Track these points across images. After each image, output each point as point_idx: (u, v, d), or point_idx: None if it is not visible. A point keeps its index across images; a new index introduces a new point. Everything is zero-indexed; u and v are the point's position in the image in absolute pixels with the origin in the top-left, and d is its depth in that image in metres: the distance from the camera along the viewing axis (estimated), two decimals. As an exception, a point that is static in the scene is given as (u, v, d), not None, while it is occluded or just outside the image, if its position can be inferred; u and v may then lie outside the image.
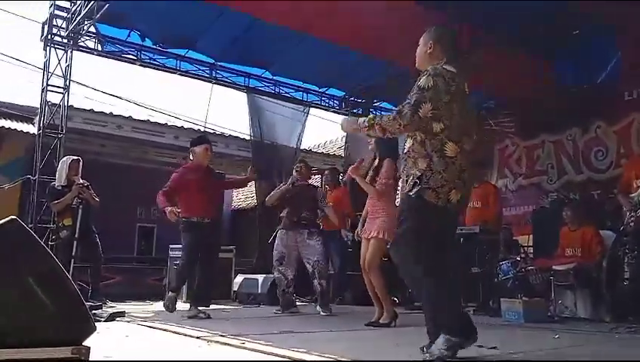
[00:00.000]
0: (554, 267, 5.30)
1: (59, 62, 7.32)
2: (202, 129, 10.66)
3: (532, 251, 6.66)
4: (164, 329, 3.74)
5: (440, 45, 2.86)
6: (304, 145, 10.40)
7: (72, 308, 1.81)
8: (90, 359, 1.99)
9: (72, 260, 5.80)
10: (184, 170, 5.20)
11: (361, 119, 2.85)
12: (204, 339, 3.20)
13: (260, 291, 6.54)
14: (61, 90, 7.34)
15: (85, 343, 1.83)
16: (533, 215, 7.95)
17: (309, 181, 5.95)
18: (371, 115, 2.97)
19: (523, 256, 5.87)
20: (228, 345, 3.02)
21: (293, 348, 2.75)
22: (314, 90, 9.60)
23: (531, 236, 7.14)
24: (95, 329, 1.85)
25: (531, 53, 7.23)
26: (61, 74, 7.34)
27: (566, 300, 5.25)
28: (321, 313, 5.17)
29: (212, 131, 10.77)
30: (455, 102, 2.69)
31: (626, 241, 4.74)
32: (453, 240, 3.08)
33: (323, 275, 5.32)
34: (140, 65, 8.05)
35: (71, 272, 5.78)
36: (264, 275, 6.68)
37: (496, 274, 5.64)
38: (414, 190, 2.65)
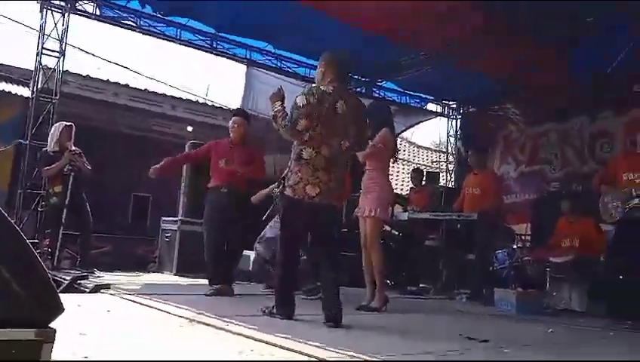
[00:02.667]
0: (551, 259, 5.20)
1: (55, 26, 7.08)
2: (201, 101, 10.51)
3: (529, 241, 6.57)
4: (148, 306, 3.63)
5: (329, 68, 3.51)
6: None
7: (36, 286, 1.68)
8: (65, 335, 1.89)
9: (62, 227, 5.73)
10: (216, 142, 5.14)
11: (278, 105, 3.46)
12: (187, 318, 3.10)
13: (251, 268, 6.44)
14: (56, 54, 7.12)
15: (57, 319, 1.73)
16: (532, 204, 7.84)
17: None
18: (280, 109, 3.46)
19: (520, 245, 5.78)
20: (210, 326, 2.92)
21: (277, 334, 2.65)
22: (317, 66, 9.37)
23: (529, 225, 7.04)
24: (63, 310, 1.72)
25: (543, 40, 7.01)
26: (57, 37, 7.11)
27: (561, 292, 5.17)
28: (301, 297, 4.98)
29: (211, 104, 10.64)
30: (321, 116, 3.32)
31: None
32: (326, 229, 3.53)
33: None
34: (139, 32, 7.82)
35: (59, 240, 5.71)
36: (256, 252, 6.55)
37: (492, 263, 5.54)
38: (280, 188, 3.48)
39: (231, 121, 5.07)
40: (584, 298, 5.05)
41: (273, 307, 3.39)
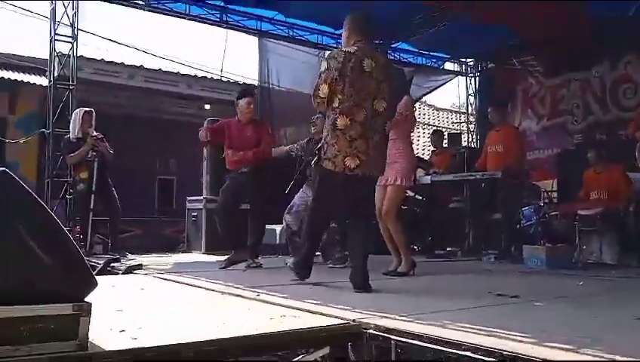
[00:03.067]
0: (579, 212, 5.12)
1: (65, 10, 7.09)
2: (216, 78, 10.49)
3: (556, 196, 6.47)
4: (180, 282, 3.71)
5: (352, 30, 3.40)
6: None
7: (70, 262, 1.73)
8: (102, 312, 1.95)
9: (91, 213, 5.84)
10: (227, 121, 5.09)
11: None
12: (219, 291, 3.16)
13: (277, 241, 6.52)
14: (70, 40, 7.15)
15: (94, 298, 1.77)
16: (557, 158, 7.69)
17: None
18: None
19: (546, 201, 5.69)
20: (242, 297, 2.97)
21: (307, 300, 2.68)
22: (329, 33, 9.23)
23: (555, 180, 6.92)
24: (97, 284, 1.77)
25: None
26: (68, 23, 7.13)
27: (591, 245, 5.10)
28: (329, 265, 5.05)
29: (227, 79, 10.61)
30: (347, 78, 3.17)
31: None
32: (366, 201, 3.48)
33: None
34: (148, 10, 7.78)
35: (90, 225, 5.83)
36: (282, 225, 6.61)
37: (519, 221, 5.48)
38: (315, 160, 3.34)
39: (242, 102, 4.91)
40: (615, 250, 4.98)
41: (294, 265, 3.56)
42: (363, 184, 3.35)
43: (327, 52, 9.23)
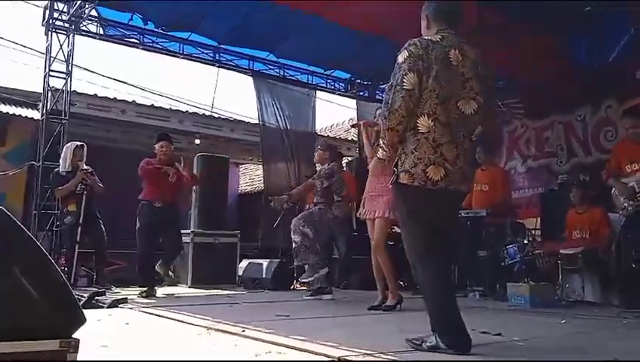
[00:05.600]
0: (561, 251, 5.21)
1: (61, 47, 7.24)
2: (207, 113, 10.63)
3: (540, 234, 6.57)
4: (165, 317, 3.71)
5: (432, 18, 2.75)
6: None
7: (60, 299, 1.76)
8: (87, 348, 1.96)
9: (77, 246, 5.84)
10: (145, 163, 5.74)
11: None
12: (204, 327, 3.17)
13: (264, 276, 6.51)
14: (64, 75, 7.27)
15: (79, 333, 1.80)
16: (541, 197, 7.83)
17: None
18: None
19: (530, 239, 5.78)
20: (228, 332, 2.98)
21: (293, 336, 2.71)
22: (319, 73, 9.47)
23: (539, 219, 7.04)
24: (85, 321, 1.80)
25: (542, 31, 7.03)
26: (63, 59, 7.27)
27: (573, 284, 5.18)
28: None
29: (217, 115, 10.76)
30: (431, 70, 2.51)
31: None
32: (451, 224, 2.76)
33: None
34: (142, 49, 7.95)
35: (75, 258, 5.82)
36: (269, 260, 6.64)
37: (503, 258, 5.56)
38: (394, 176, 2.60)
39: (157, 145, 5.74)
40: (597, 288, 5.06)
41: (435, 344, 2.46)
42: (447, 202, 2.62)
43: (318, 91, 9.60)
